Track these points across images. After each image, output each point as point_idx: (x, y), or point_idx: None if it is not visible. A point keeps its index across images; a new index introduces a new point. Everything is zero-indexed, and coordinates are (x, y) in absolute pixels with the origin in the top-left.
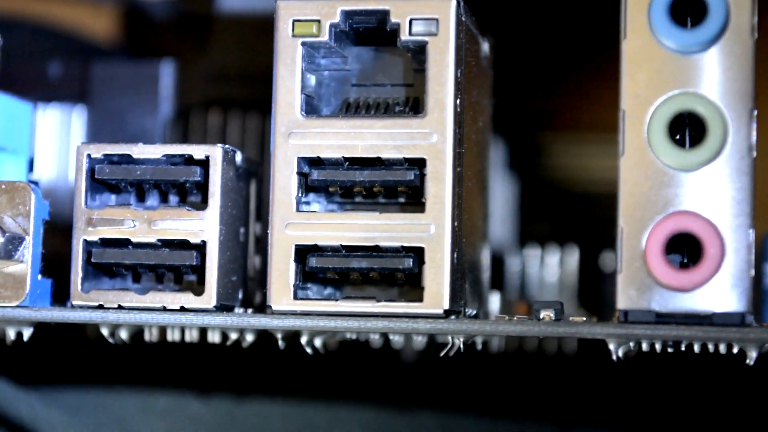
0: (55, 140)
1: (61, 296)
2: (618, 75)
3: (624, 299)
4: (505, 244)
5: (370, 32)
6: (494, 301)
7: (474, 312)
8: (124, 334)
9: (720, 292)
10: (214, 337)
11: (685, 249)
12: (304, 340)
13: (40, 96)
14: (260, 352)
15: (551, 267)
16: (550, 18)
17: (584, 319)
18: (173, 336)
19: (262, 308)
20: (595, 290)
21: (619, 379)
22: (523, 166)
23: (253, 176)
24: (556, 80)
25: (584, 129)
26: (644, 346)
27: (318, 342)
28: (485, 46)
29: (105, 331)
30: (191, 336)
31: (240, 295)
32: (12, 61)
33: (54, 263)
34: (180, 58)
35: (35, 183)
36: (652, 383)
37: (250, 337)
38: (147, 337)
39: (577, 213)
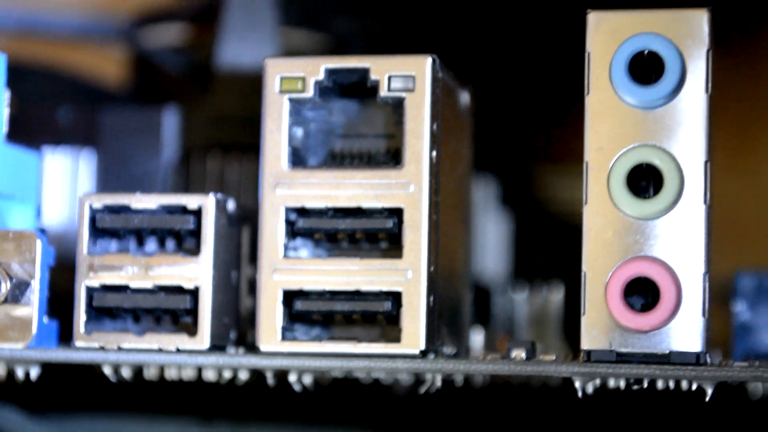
0: (63, 183)
1: (66, 333)
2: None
3: (587, 340)
4: (492, 279)
5: (353, 87)
6: (478, 336)
7: (453, 350)
8: (125, 373)
9: (677, 332)
10: (209, 375)
11: (649, 292)
12: (293, 378)
13: (47, 140)
14: (256, 386)
15: (537, 301)
16: (526, 63)
17: (553, 358)
18: (170, 374)
19: (254, 347)
20: (578, 324)
21: (588, 412)
22: (512, 202)
23: (245, 221)
24: (538, 118)
25: (562, 162)
26: (611, 383)
27: (307, 379)
28: (465, 96)
29: (107, 370)
30: (188, 374)
31: (233, 335)
32: (20, 105)
33: (60, 301)
34: (183, 103)
35: (42, 231)
36: (619, 417)
37: (243, 375)
38: (146, 375)
39: (562, 247)
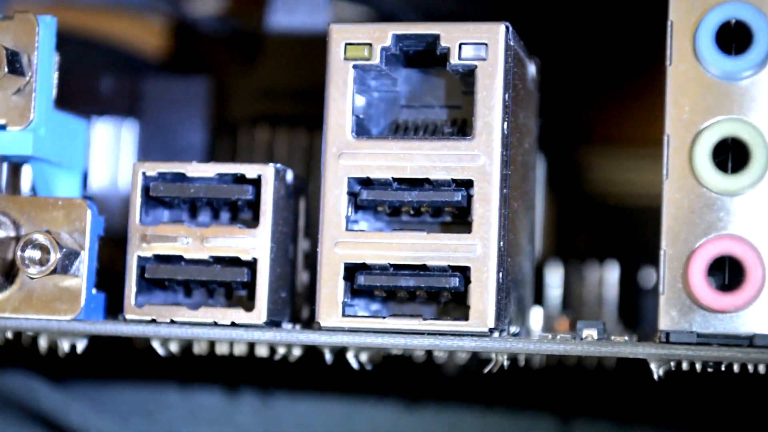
0: (107, 153)
1: (113, 307)
2: (660, 89)
3: (666, 320)
4: (547, 258)
5: (420, 55)
6: (536, 316)
7: (518, 329)
8: (174, 347)
9: (761, 314)
10: (261, 352)
11: (726, 271)
12: (350, 355)
13: (91, 110)
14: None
15: (591, 282)
16: (593, 37)
17: (626, 338)
18: (221, 349)
19: (310, 323)
20: (633, 305)
21: (659, 394)
22: (565, 181)
23: (301, 193)
24: (597, 96)
25: (625, 143)
26: (684, 366)
27: (364, 357)
28: (532, 68)
29: (156, 344)
30: (240, 349)
31: (288, 311)
32: (65, 74)
33: (105, 274)
34: (229, 73)
35: (91, 199)
36: (690, 400)
37: (297, 352)
38: (196, 350)
39: (617, 228)
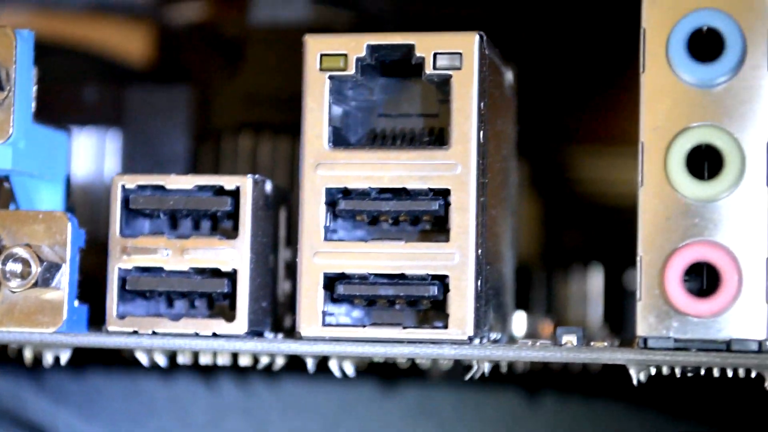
0: (90, 164)
1: (96, 316)
2: (637, 89)
3: (643, 326)
4: (530, 262)
5: (396, 64)
6: (519, 321)
7: (498, 336)
8: (159, 357)
9: (738, 319)
10: (245, 361)
11: (704, 276)
12: (333, 364)
13: (74, 119)
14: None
15: (576, 285)
16: (569, 42)
17: (605, 344)
18: (205, 360)
19: (292, 332)
20: (619, 307)
21: (644, 397)
22: (548, 184)
23: (282, 203)
24: (578, 97)
25: (608, 143)
26: (665, 371)
27: (347, 364)
28: (509, 75)
29: (141, 355)
30: (223, 359)
31: (270, 320)
32: (47, 84)
33: (88, 284)
34: (211, 81)
35: (72, 211)
36: (670, 404)
37: (280, 361)
38: (180, 360)
39: (601, 230)
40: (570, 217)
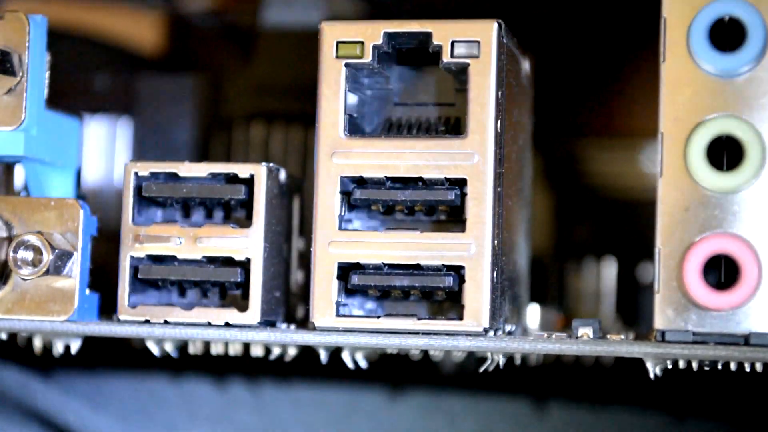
0: (101, 151)
1: (107, 305)
2: (654, 82)
3: (661, 319)
4: (544, 255)
5: (413, 53)
6: (533, 313)
7: (513, 327)
8: (169, 348)
9: (757, 313)
10: (257, 352)
11: (722, 269)
12: (345, 354)
13: (85, 107)
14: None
15: (590, 278)
16: (585, 31)
17: (622, 337)
18: (217, 350)
19: (305, 322)
20: (632, 300)
21: (659, 390)
22: (563, 176)
23: (295, 192)
24: (595, 89)
25: (624, 136)
26: (681, 364)
27: (359, 356)
28: (526, 65)
29: (151, 344)
30: (235, 350)
31: (282, 310)
32: (58, 72)
33: (98, 273)
34: (223, 70)
35: (83, 198)
36: (686, 397)
37: (292, 351)
38: (191, 350)
39: (615, 223)
40: (583, 209)
